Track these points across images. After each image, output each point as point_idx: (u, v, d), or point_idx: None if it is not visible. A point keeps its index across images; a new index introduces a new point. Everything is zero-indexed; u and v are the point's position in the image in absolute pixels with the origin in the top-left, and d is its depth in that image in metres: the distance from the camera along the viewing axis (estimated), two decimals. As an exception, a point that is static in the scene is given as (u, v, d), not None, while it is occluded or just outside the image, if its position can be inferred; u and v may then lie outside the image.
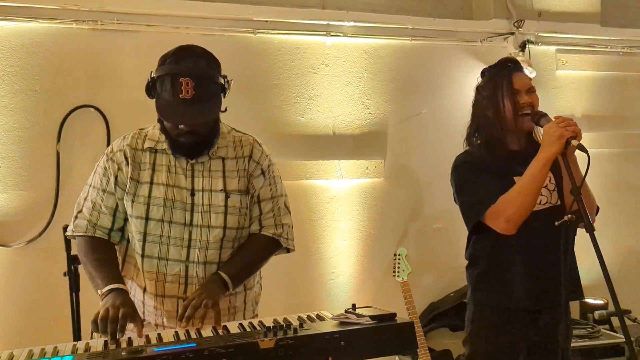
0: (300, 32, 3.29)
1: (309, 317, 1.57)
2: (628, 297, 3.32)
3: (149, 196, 1.71)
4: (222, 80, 1.72)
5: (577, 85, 3.94)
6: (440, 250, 3.58)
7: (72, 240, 1.85)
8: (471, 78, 3.63)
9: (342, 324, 1.45)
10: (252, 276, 1.84)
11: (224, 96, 1.75)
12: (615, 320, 3.35)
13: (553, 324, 1.84)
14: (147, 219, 1.70)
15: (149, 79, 1.69)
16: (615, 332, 3.34)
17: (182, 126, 1.66)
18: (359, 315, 1.47)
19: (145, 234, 1.71)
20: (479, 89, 1.94)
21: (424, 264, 3.54)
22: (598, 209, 1.89)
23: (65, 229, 1.83)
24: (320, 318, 1.56)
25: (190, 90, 1.60)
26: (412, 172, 3.54)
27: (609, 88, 4.00)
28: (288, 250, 1.89)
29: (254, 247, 1.81)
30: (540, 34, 3.74)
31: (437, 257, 3.59)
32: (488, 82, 1.89)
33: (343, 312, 1.55)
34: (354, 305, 1.59)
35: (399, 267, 3.33)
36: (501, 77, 1.84)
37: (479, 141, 1.93)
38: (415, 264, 3.46)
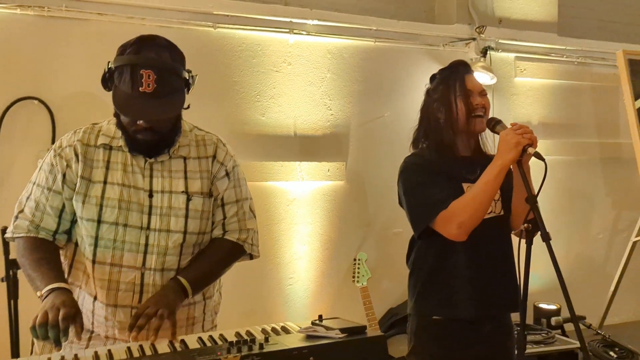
0: (263, 28, 3.20)
1: (273, 329, 1.48)
2: (579, 302, 3.39)
3: (102, 197, 1.58)
4: (186, 75, 1.61)
5: (534, 92, 4.02)
6: (400, 254, 3.51)
7: (11, 243, 1.69)
8: (433, 82, 3.68)
9: (310, 337, 1.37)
10: (212, 284, 1.74)
11: (188, 92, 1.64)
12: (567, 326, 3.43)
13: (498, 333, 1.82)
14: (99, 221, 1.57)
15: (106, 70, 1.56)
16: (568, 337, 3.41)
17: (140, 122, 1.53)
18: (327, 328, 1.39)
19: (97, 238, 1.58)
20: (429, 92, 1.90)
21: (384, 268, 3.52)
22: None
23: (4, 231, 1.68)
24: (285, 331, 1.47)
25: (151, 83, 1.48)
26: (374, 175, 3.51)
27: (564, 96, 4.11)
28: (251, 257, 1.80)
29: (217, 252, 1.70)
30: (500, 41, 3.80)
31: (397, 261, 3.54)
32: (439, 85, 1.84)
33: (310, 324, 1.46)
34: (320, 317, 1.51)
35: (358, 272, 3.29)
36: (453, 79, 1.80)
37: (425, 145, 1.88)
38: (375, 268, 3.44)
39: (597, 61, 4.18)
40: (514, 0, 3.88)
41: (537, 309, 3.62)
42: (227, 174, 1.72)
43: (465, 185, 1.78)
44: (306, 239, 3.34)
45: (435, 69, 3.61)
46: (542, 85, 4.04)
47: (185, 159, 1.66)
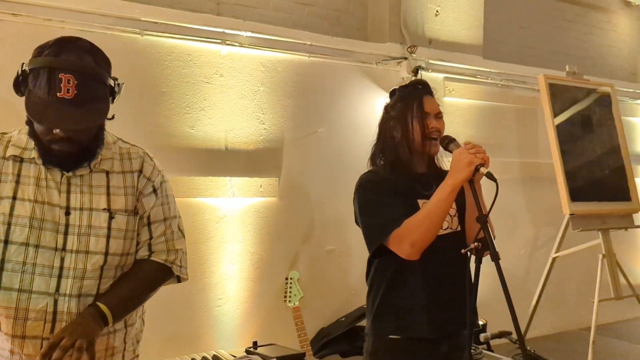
0: (193, 38, 3.09)
1: (204, 359, 1.37)
2: (503, 317, 3.51)
3: (11, 214, 1.41)
4: (111, 82, 1.48)
5: (462, 112, 4.16)
6: (332, 273, 3.53)
7: None
8: (366, 99, 3.72)
9: (247, 367, 1.28)
10: (136, 310, 1.60)
11: (113, 101, 1.51)
12: (493, 342, 3.52)
13: (453, 353, 1.83)
14: (6, 242, 1.40)
15: (19, 72, 1.40)
16: (493, 351, 3.50)
17: (57, 131, 1.39)
18: (264, 357, 1.31)
19: (3, 261, 1.41)
20: (387, 109, 1.90)
21: (316, 287, 3.47)
22: (493, 233, 1.93)
23: None
24: (218, 360, 1.37)
25: (71, 89, 1.35)
26: (307, 192, 3.46)
27: (488, 117, 4.28)
28: (179, 280, 1.68)
29: (141, 274, 1.57)
30: (430, 61, 3.90)
31: (329, 280, 3.53)
32: (397, 102, 1.85)
33: (244, 352, 1.37)
34: (255, 344, 1.42)
35: (290, 292, 3.22)
36: (412, 98, 1.82)
37: (382, 161, 1.88)
38: (308, 287, 3.38)
39: (519, 84, 4.41)
40: (443, 22, 4.01)
41: (464, 325, 3.69)
42: (155, 190, 1.60)
43: (420, 202, 1.77)
44: (236, 258, 3.23)
45: (368, 86, 3.72)
46: (469, 105, 4.19)
47: (107, 173, 1.52)
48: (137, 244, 1.58)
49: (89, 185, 1.49)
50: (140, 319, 1.67)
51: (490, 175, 1.61)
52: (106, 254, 1.48)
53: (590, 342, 3.38)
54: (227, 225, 3.19)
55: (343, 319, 3.46)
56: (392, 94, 1.91)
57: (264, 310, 3.29)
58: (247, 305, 3.25)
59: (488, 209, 1.63)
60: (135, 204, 1.55)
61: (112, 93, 1.49)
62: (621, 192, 3.86)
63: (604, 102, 4.06)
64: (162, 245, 1.60)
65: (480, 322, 3.78)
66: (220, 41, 3.15)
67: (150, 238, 1.59)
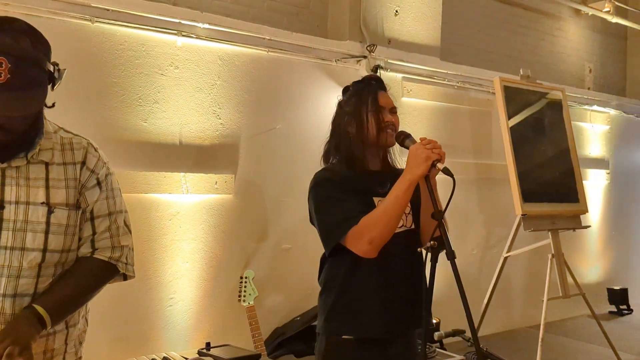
0: (148, 27, 2.98)
1: (155, 361, 1.31)
2: (456, 315, 3.58)
3: None
4: (51, 67, 1.39)
5: (419, 113, 4.21)
6: (288, 271, 3.50)
7: None
8: (325, 96, 3.70)
9: (201, 369, 1.23)
10: (78, 310, 1.52)
11: (52, 88, 1.41)
12: (446, 340, 3.58)
13: (406, 353, 1.83)
14: None
15: None
16: (445, 349, 3.56)
17: None
18: (216, 358, 1.26)
19: None
20: (341, 105, 1.89)
21: (272, 286, 3.43)
22: (448, 230, 1.95)
23: None
24: (171, 362, 1.31)
25: (4, 72, 1.26)
26: (264, 189, 3.41)
27: (445, 118, 4.35)
28: (125, 278, 1.60)
29: (84, 273, 1.49)
30: (389, 61, 3.93)
31: (284, 279, 3.49)
32: (351, 98, 1.84)
33: (197, 354, 1.32)
34: (208, 345, 1.37)
35: (245, 291, 3.17)
36: (366, 93, 1.81)
37: (336, 158, 1.86)
38: (263, 286, 3.33)
39: (475, 86, 4.50)
40: (403, 23, 4.05)
41: (418, 323, 3.74)
42: (99, 183, 1.51)
43: (376, 199, 1.76)
44: (189, 256, 3.14)
45: (327, 83, 3.70)
46: (426, 106, 4.25)
47: (47, 164, 1.43)
48: (79, 240, 1.50)
49: (26, 177, 1.40)
50: (84, 319, 1.59)
51: (447, 171, 1.62)
52: (44, 250, 1.39)
53: (540, 340, 3.49)
54: (180, 223, 3.10)
55: (298, 318, 3.44)
56: (346, 90, 1.90)
57: (217, 310, 3.22)
58: (199, 305, 3.18)
59: (444, 206, 1.64)
60: (77, 197, 1.47)
61: (52, 79, 1.40)
62: (570, 193, 4.01)
63: (556, 106, 4.20)
64: (106, 241, 1.52)
65: (434, 321, 3.84)
66: (176, 32, 3.06)
67: (94, 234, 1.51)
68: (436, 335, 3.44)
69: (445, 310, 3.56)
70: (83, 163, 1.49)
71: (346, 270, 1.76)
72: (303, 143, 3.52)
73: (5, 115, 1.30)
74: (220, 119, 3.26)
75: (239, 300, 3.15)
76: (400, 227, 1.77)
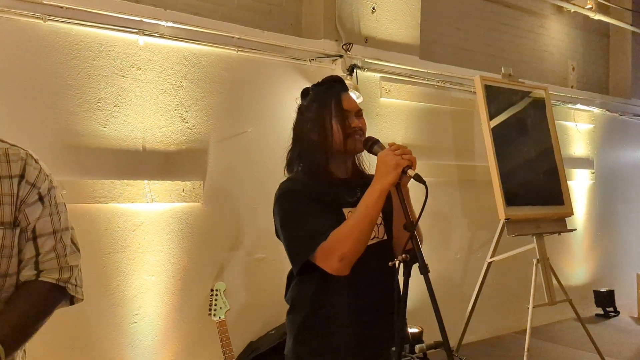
0: (106, 25, 2.81)
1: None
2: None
3: None
4: None
5: (398, 114, 4.09)
6: (263, 282, 3.35)
7: None
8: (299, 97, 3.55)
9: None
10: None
11: None
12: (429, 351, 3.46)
13: None
14: None
15: None
16: None
17: None
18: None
19: None
20: (301, 110, 1.75)
21: (245, 299, 3.27)
22: (422, 240, 1.83)
23: None
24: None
25: None
26: (235, 197, 3.26)
27: (425, 119, 4.24)
28: (72, 302, 1.46)
29: (32, 298, 1.35)
30: (366, 60, 3.80)
31: (259, 290, 3.34)
32: (313, 102, 1.71)
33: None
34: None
35: (215, 305, 3.01)
36: (329, 97, 1.68)
37: (300, 168, 1.73)
38: (235, 299, 3.18)
39: (455, 86, 4.39)
40: (380, 20, 3.92)
41: (400, 333, 3.61)
42: (41, 198, 1.37)
43: (346, 211, 1.64)
44: (155, 269, 2.98)
45: (301, 83, 3.55)
46: (405, 106, 4.13)
47: None
48: (19, 262, 1.35)
49: None
50: (22, 350, 1.44)
51: (418, 178, 1.50)
52: None
53: (525, 350, 3.38)
54: (144, 234, 2.94)
55: (273, 331, 3.29)
56: (305, 93, 1.77)
57: (185, 325, 3.06)
58: (167, 321, 3.01)
59: (418, 215, 1.52)
60: (14, 214, 1.32)
61: None
62: (554, 196, 3.91)
63: (538, 105, 4.11)
64: (52, 262, 1.38)
65: (416, 330, 3.72)
66: (137, 31, 2.90)
67: (37, 255, 1.36)
68: (417, 347, 3.34)
69: (428, 319, 3.44)
70: (22, 176, 1.34)
71: (315, 287, 1.63)
72: (276, 147, 3.36)
73: None
74: (187, 122, 3.10)
75: (209, 314, 2.99)
76: (372, 239, 1.64)
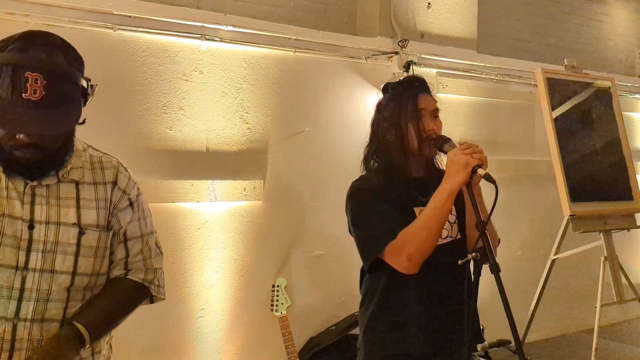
0: (171, 32, 2.95)
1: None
2: (501, 323, 3.44)
3: None
4: (84, 83, 1.35)
5: (456, 109, 4.06)
6: (321, 279, 3.42)
7: None
8: (355, 96, 3.60)
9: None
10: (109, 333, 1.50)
11: (85, 104, 1.38)
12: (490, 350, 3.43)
13: None
14: None
15: None
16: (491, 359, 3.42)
17: (21, 136, 1.27)
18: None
19: None
20: (379, 108, 1.78)
21: (304, 295, 3.36)
22: (499, 240, 1.84)
23: None
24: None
25: (39, 89, 1.23)
26: (294, 194, 3.34)
27: (483, 114, 4.19)
28: (152, 301, 1.59)
29: (119, 293, 1.48)
30: (422, 56, 3.80)
31: (318, 286, 3.42)
32: (390, 102, 1.73)
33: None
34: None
35: (277, 300, 3.11)
36: (406, 97, 1.70)
37: (376, 164, 1.78)
38: (295, 295, 3.27)
39: (514, 79, 4.31)
40: (436, 15, 3.91)
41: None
42: (131, 204, 1.50)
43: (417, 210, 1.67)
44: (219, 266, 3.10)
45: (357, 82, 3.60)
46: (463, 102, 4.10)
47: (77, 183, 1.41)
48: (111, 262, 1.48)
49: (57, 196, 1.37)
50: (108, 345, 1.57)
51: (488, 177, 1.51)
52: (74, 273, 1.37)
53: (593, 349, 3.30)
54: (209, 231, 3.07)
55: (333, 327, 3.36)
56: (385, 89, 1.80)
57: (249, 320, 3.18)
58: (231, 316, 3.13)
59: (488, 214, 1.54)
60: (108, 218, 1.44)
61: (85, 95, 1.37)
62: (623, 191, 3.77)
63: (604, 96, 3.97)
64: (139, 263, 1.51)
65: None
66: (199, 36, 3.02)
67: (127, 256, 1.50)
68: (479, 346, 3.32)
69: (490, 317, 3.41)
70: (114, 183, 1.47)
71: (385, 283, 1.68)
72: (333, 145, 3.44)
73: (41, 134, 1.27)
74: (247, 123, 3.21)
75: (271, 309, 3.09)
76: (445, 238, 1.68)
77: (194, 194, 2.99)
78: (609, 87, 4.03)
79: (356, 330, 3.26)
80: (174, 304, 2.96)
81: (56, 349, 1.28)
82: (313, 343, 3.30)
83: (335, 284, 3.41)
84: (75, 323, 1.34)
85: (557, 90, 3.74)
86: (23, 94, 1.22)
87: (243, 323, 3.16)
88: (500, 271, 1.47)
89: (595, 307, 3.42)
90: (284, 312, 3.07)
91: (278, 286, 3.14)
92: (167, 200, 2.91)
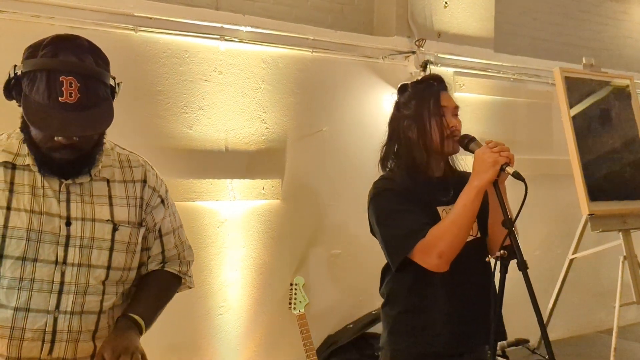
0: (190, 33, 3.02)
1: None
2: (519, 322, 3.44)
3: (5, 226, 1.36)
4: (112, 82, 1.42)
5: (473, 108, 4.09)
6: (339, 277, 3.48)
7: None
8: (372, 95, 3.65)
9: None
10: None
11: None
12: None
13: None
14: (1, 256, 1.36)
15: (12, 75, 1.34)
16: (508, 359, 3.45)
17: (59, 138, 1.33)
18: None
19: None
20: (398, 106, 1.81)
21: (322, 293, 3.41)
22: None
23: None
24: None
25: (74, 92, 1.29)
26: (311, 193, 3.40)
27: (501, 113, 4.22)
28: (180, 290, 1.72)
29: (160, 284, 1.60)
30: (439, 55, 3.83)
31: (336, 285, 3.47)
32: (411, 100, 1.76)
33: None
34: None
35: (295, 299, 3.17)
36: (427, 95, 1.73)
37: (395, 163, 1.81)
38: (313, 293, 3.32)
39: (532, 78, 4.33)
40: (453, 14, 3.95)
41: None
42: (162, 201, 1.59)
43: (440, 209, 1.71)
44: (238, 264, 3.17)
45: (375, 81, 3.65)
46: (480, 101, 4.13)
47: (108, 182, 1.48)
48: (148, 257, 1.58)
49: (90, 194, 1.44)
50: None
51: (517, 175, 1.55)
52: (108, 267, 1.45)
53: (612, 349, 3.32)
54: (228, 230, 3.14)
55: (351, 325, 3.41)
56: (403, 89, 1.83)
57: (267, 318, 3.24)
58: (250, 313, 3.20)
59: (515, 213, 1.58)
60: (141, 215, 1.52)
61: (113, 93, 1.44)
62: (642, 189, 3.78)
63: (623, 95, 3.98)
64: (174, 256, 1.63)
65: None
66: (218, 37, 3.09)
67: (163, 251, 1.60)
68: (498, 345, 3.36)
69: (507, 316, 3.44)
70: (144, 181, 1.55)
71: (411, 282, 1.72)
72: (351, 144, 3.48)
73: (79, 135, 1.34)
74: (265, 123, 3.28)
75: (290, 307, 3.15)
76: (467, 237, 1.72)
77: (213, 192, 3.05)
78: (628, 86, 4.04)
79: (374, 329, 3.32)
80: (194, 302, 3.03)
81: (125, 338, 1.37)
82: (331, 341, 3.36)
83: (353, 282, 3.46)
84: (131, 314, 1.45)
85: (575, 89, 3.76)
86: (59, 98, 1.28)
87: (261, 321, 3.22)
88: (528, 268, 1.50)
89: (614, 307, 3.43)
90: (302, 310, 3.12)
91: (296, 284, 3.20)
92: (187, 199, 2.98)
